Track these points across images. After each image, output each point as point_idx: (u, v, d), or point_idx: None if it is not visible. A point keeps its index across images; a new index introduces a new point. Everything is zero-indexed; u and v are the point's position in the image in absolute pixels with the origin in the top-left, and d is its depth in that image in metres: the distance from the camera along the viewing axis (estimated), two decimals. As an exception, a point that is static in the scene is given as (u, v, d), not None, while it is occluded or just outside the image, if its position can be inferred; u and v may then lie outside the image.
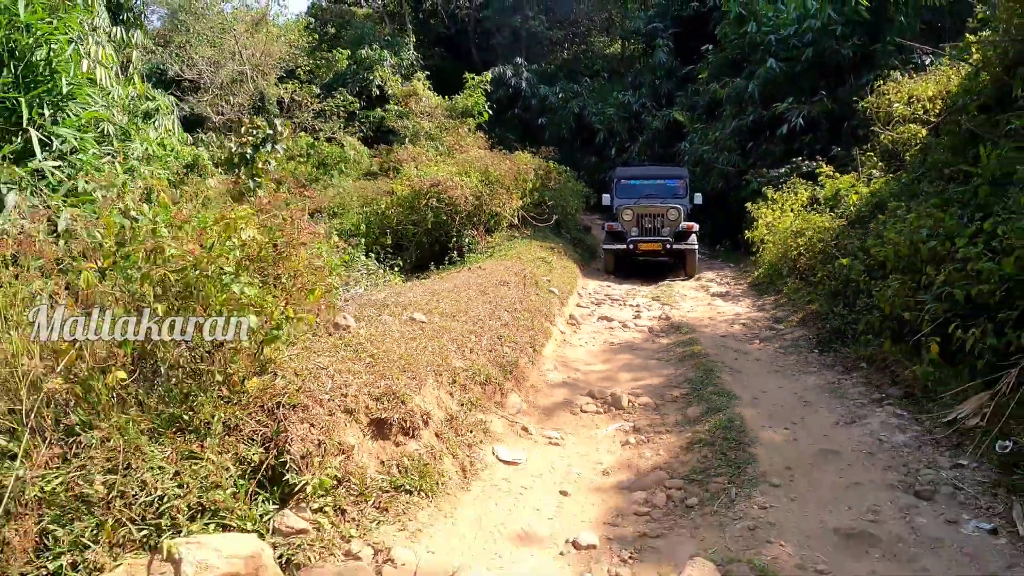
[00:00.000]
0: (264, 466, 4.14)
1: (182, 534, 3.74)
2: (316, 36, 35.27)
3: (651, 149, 28.45)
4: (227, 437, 4.18)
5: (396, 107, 25.15)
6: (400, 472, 4.68)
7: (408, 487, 4.60)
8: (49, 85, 9.81)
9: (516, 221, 16.41)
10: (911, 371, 6.90)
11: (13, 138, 9.37)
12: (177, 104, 22.24)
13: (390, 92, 26.69)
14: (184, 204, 7.36)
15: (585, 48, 41.97)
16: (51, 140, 9.64)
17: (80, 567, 3.58)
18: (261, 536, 3.89)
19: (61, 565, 3.56)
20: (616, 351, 9.66)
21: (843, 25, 18.04)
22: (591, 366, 8.86)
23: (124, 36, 15.78)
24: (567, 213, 19.24)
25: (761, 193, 16.98)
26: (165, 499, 3.80)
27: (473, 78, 23.98)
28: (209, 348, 4.46)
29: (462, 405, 5.94)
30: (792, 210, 14.93)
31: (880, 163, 14.40)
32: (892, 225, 8.90)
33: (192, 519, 3.83)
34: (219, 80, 27.32)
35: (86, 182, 9.67)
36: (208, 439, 4.10)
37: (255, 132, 17.27)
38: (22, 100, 9.32)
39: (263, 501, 4.09)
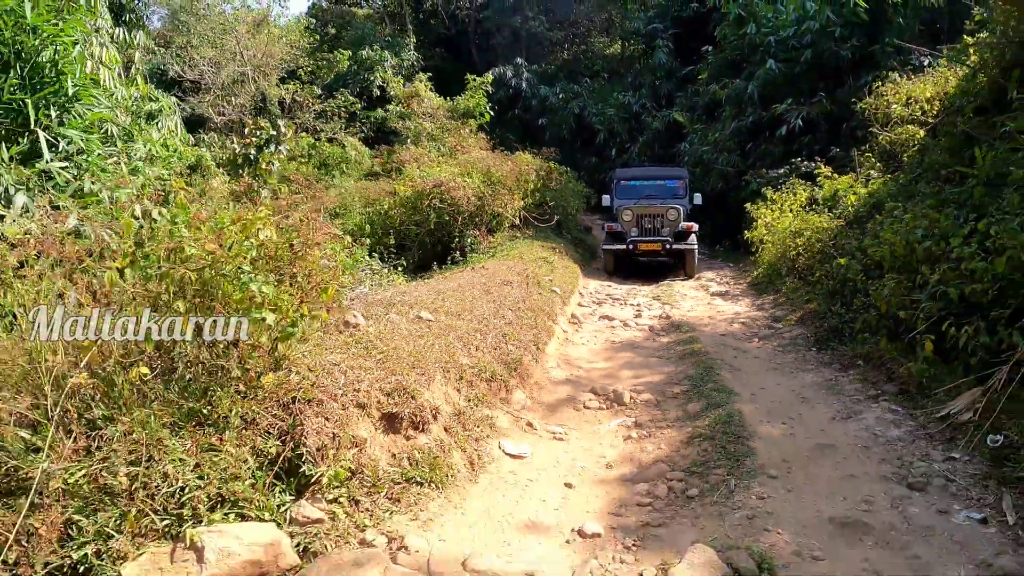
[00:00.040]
0: (281, 458, 4.30)
1: (203, 524, 3.90)
2: (317, 37, 35.42)
3: (651, 149, 28.57)
4: (244, 431, 4.34)
5: (398, 108, 25.27)
6: (411, 464, 4.85)
7: (419, 479, 4.78)
8: (55, 87, 9.92)
9: (518, 221, 16.58)
10: (906, 368, 7.07)
11: (19, 139, 9.50)
12: (178, 105, 22.38)
13: (392, 93, 26.81)
14: (197, 205, 7.49)
15: (585, 49, 42.11)
16: (57, 141, 9.77)
17: (104, 556, 3.73)
18: (279, 526, 4.05)
19: (86, 554, 3.71)
20: (617, 349, 9.83)
21: (842, 27, 18.16)
22: (593, 364, 9.02)
23: (127, 37, 15.92)
24: (568, 213, 19.40)
25: (760, 193, 17.10)
26: (186, 490, 3.95)
27: (474, 79, 24.10)
28: (225, 345, 4.62)
29: (469, 401, 6.10)
30: (791, 210, 15.07)
31: (878, 164, 14.53)
32: (889, 225, 9.04)
33: (212, 509, 3.99)
34: (220, 81, 27.46)
35: (92, 182, 9.83)
36: (227, 432, 4.26)
37: (259, 133, 17.46)
38: (28, 101, 9.44)
39: (280, 492, 4.26)
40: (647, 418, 6.88)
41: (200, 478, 4.03)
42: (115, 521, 3.82)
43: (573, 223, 20.27)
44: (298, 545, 3.99)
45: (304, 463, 4.31)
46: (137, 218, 4.67)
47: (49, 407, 4.08)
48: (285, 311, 4.57)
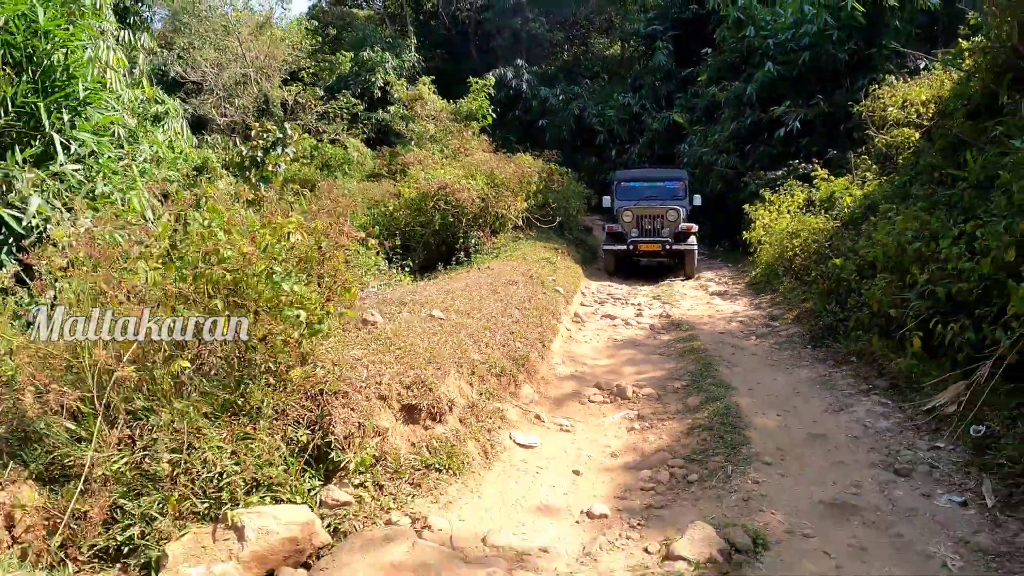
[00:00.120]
0: (311, 446, 4.64)
1: (240, 506, 4.22)
2: (319, 39, 35.63)
3: (651, 150, 28.74)
4: (276, 420, 4.68)
5: (401, 110, 25.53)
6: (430, 452, 5.20)
7: (437, 466, 5.13)
8: (67, 90, 10.16)
9: (520, 223, 16.83)
10: (896, 364, 7.42)
11: (32, 142, 9.75)
12: (182, 106, 22.60)
13: (396, 95, 27.07)
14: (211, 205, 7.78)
15: (585, 50, 42.37)
16: (69, 144, 10.01)
17: (148, 537, 4.06)
18: (311, 508, 4.38)
19: (132, 535, 4.04)
20: (620, 347, 10.15)
21: (839, 30, 18.27)
22: (596, 361, 9.35)
23: (131, 39, 16.16)
24: (569, 215, 19.65)
25: (759, 195, 17.29)
26: (224, 475, 4.28)
27: (477, 82, 24.35)
28: (255, 342, 4.94)
29: (481, 394, 6.43)
30: (788, 212, 15.29)
31: (874, 166, 14.70)
32: (881, 227, 9.32)
33: (249, 493, 4.32)
34: (222, 82, 27.61)
35: (104, 184, 10.11)
36: (260, 422, 4.59)
37: (265, 136, 17.75)
38: (40, 105, 9.69)
39: (310, 477, 4.60)
40: (649, 411, 7.23)
41: (237, 464, 4.35)
42: (158, 505, 4.14)
43: (574, 224, 20.52)
44: (328, 526, 4.33)
45: (333, 450, 4.64)
46: (180, 220, 4.97)
47: (95, 399, 4.40)
48: (312, 309, 4.90)
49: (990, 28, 11.10)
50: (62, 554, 4.04)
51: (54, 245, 4.96)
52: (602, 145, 31.12)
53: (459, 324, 7.51)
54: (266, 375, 4.86)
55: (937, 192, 9.98)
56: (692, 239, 16.72)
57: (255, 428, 4.55)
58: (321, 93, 29.54)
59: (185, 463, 4.25)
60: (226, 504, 4.22)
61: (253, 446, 4.45)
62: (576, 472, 5.76)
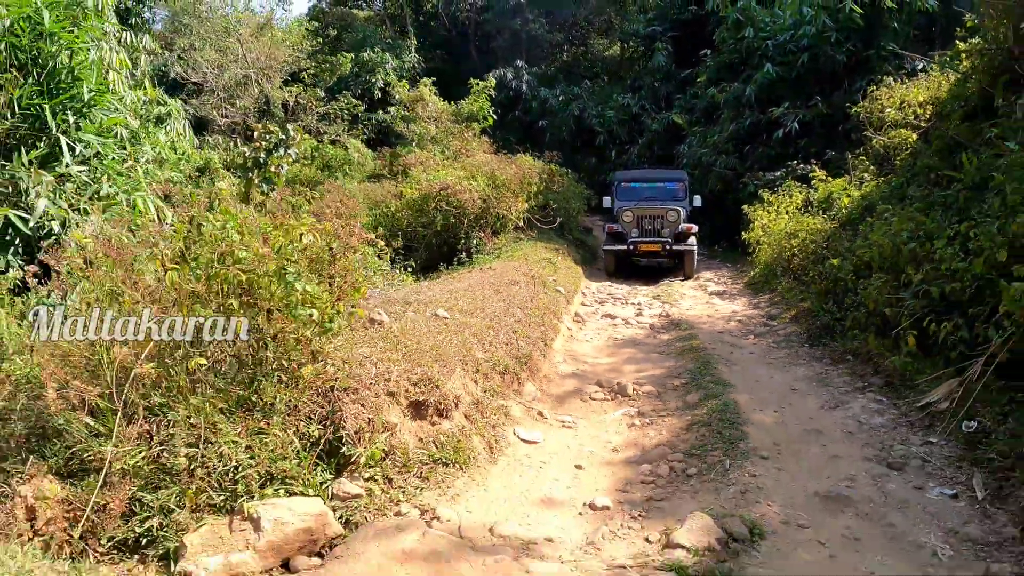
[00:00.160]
0: (322, 441, 4.81)
1: (255, 498, 4.38)
2: (320, 40, 35.68)
3: (650, 151, 28.84)
4: (289, 416, 4.84)
5: (403, 112, 25.65)
6: (437, 447, 5.36)
7: (444, 460, 5.30)
8: (72, 92, 10.26)
9: (521, 223, 16.97)
10: (891, 361, 7.58)
11: (37, 143, 9.86)
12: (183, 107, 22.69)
13: (397, 96, 27.19)
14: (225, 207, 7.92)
15: (585, 51, 42.47)
16: (74, 145, 10.10)
17: (166, 528, 4.21)
18: (323, 500, 4.53)
19: (150, 527, 4.19)
20: (620, 346, 10.31)
21: (838, 31, 18.41)
22: (597, 359, 9.51)
23: (133, 41, 16.26)
24: (569, 215, 19.77)
25: (757, 195, 17.40)
26: (239, 469, 4.44)
27: (478, 84, 24.45)
28: (268, 339, 5.10)
29: (485, 391, 6.60)
30: (786, 212, 15.42)
31: (872, 167, 14.82)
32: (878, 228, 9.49)
33: (263, 486, 4.47)
34: (223, 83, 27.66)
35: (109, 186, 10.24)
36: (273, 417, 4.75)
37: (268, 137, 17.90)
38: (46, 107, 9.79)
39: (322, 471, 4.76)
40: (649, 408, 7.40)
41: (252, 458, 4.51)
42: (175, 497, 4.29)
43: (574, 224, 20.64)
44: (340, 517, 4.49)
45: (344, 445, 4.80)
46: (194, 222, 5.12)
47: (114, 395, 4.56)
48: (324, 308, 5.06)
49: (987, 30, 11.21)
50: (82, 545, 4.19)
51: (78, 247, 5.10)
52: (602, 146, 31.21)
53: (463, 323, 7.67)
54: (278, 372, 5.01)
55: (933, 193, 10.11)
56: (692, 240, 16.81)
57: (269, 423, 4.70)
58: (322, 94, 29.62)
59: (202, 457, 4.40)
60: (242, 496, 4.36)
61: (267, 441, 4.61)
62: (578, 467, 5.93)
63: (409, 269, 13.70)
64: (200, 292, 4.97)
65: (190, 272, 5.01)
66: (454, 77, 33.52)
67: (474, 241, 15.57)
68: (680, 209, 17.05)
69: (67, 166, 9.76)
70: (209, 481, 4.37)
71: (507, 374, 7.24)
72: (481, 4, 38.82)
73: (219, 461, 4.42)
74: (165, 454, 4.41)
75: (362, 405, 5.00)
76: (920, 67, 17.37)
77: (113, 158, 10.71)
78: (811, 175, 16.14)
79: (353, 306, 5.60)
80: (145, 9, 25.32)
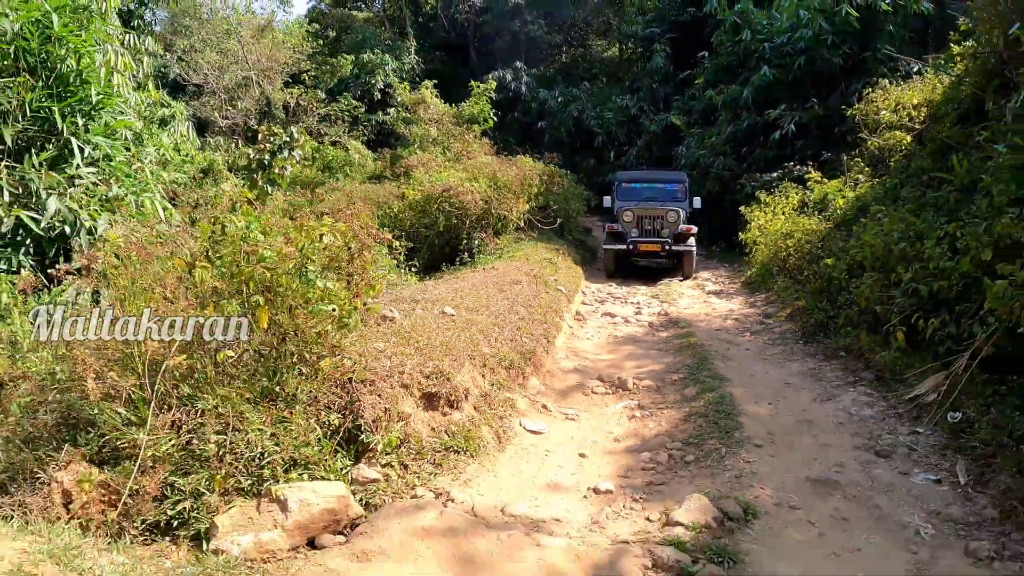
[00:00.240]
0: (342, 429, 5.10)
1: (280, 482, 4.66)
2: (321, 42, 35.81)
3: (649, 152, 28.98)
4: (310, 406, 5.14)
5: (404, 114, 25.88)
6: (448, 436, 5.68)
7: (456, 448, 5.61)
8: (80, 95, 10.45)
9: (522, 224, 17.22)
10: (881, 357, 7.90)
11: (47, 145, 10.07)
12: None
13: (398, 98, 27.41)
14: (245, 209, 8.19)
15: (583, 52, 42.66)
16: (83, 147, 10.29)
17: (197, 510, 4.49)
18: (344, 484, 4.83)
19: (182, 509, 4.47)
20: (620, 343, 10.61)
21: (834, 34, 18.61)
22: (598, 356, 9.81)
23: (136, 43, 16.48)
24: (569, 216, 19.97)
25: (754, 196, 17.60)
26: (265, 455, 4.72)
27: (479, 86, 24.67)
28: (287, 334, 5.39)
29: (492, 385, 6.89)
30: (783, 213, 15.63)
31: (867, 168, 14.99)
32: (870, 228, 9.78)
33: (287, 471, 4.76)
34: (224, 85, 27.78)
35: (118, 187, 10.48)
36: (296, 407, 5.05)
37: (272, 139, 18.16)
38: (55, 109, 9.98)
39: (342, 457, 5.06)
40: (649, 401, 7.72)
41: (276, 445, 4.80)
42: (205, 481, 4.57)
43: (574, 225, 20.83)
44: (360, 500, 4.78)
45: (362, 433, 5.10)
46: (218, 222, 5.41)
47: (146, 385, 4.84)
48: (342, 305, 5.36)
49: (980, 34, 11.44)
50: (118, 527, 4.47)
51: (112, 247, 5.38)
52: (600, 147, 31.36)
53: (470, 320, 7.96)
54: (299, 365, 5.31)
55: (925, 194, 10.36)
56: (691, 240, 16.97)
57: (291, 413, 4.99)
58: (322, 95, 29.80)
59: (230, 444, 4.68)
60: (268, 481, 4.65)
61: (290, 429, 4.90)
62: (582, 455, 6.25)
63: (413, 269, 13.96)
64: (223, 289, 5.27)
65: (215, 270, 5.31)
66: (453, 78, 33.72)
67: (476, 241, 15.81)
68: (680, 210, 17.18)
69: (77, 167, 9.99)
70: (237, 466, 4.65)
71: (512, 369, 7.53)
72: (480, 6, 38.92)
73: (246, 447, 4.70)
74: (195, 441, 4.69)
75: (379, 396, 5.29)
76: (915, 70, 17.50)
77: (121, 160, 10.94)
78: (807, 176, 16.33)
79: (367, 304, 5.90)
80: (146, 11, 25.52)
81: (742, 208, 17.60)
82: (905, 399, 6.93)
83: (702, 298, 14.46)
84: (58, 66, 10.12)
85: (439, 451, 5.49)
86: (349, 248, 5.63)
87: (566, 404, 7.70)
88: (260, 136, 17.44)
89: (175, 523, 4.44)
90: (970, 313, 7.02)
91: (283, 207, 14.97)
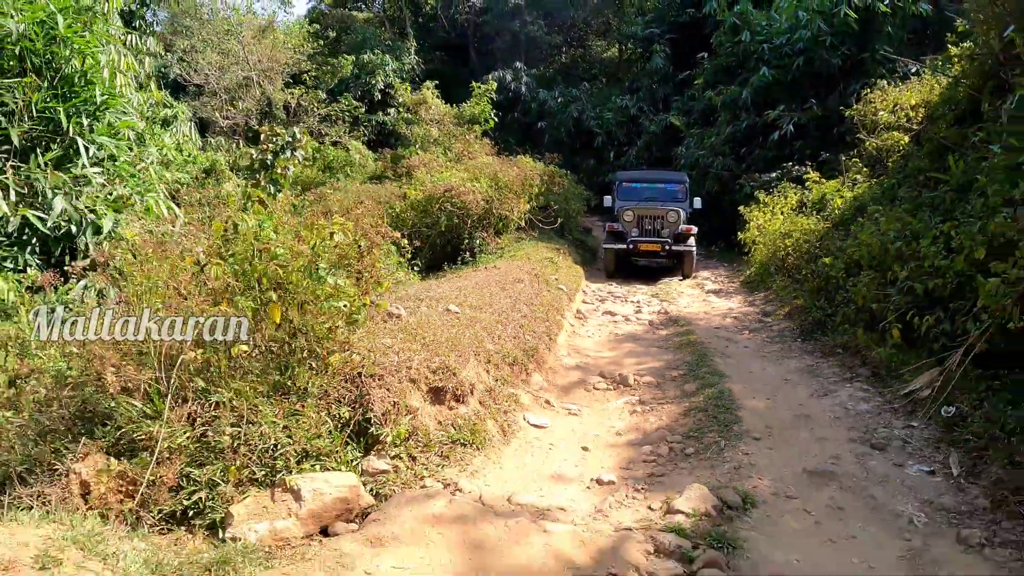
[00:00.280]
0: (352, 422, 5.25)
1: (293, 473, 4.81)
2: (321, 42, 35.83)
3: (648, 153, 29.07)
4: (321, 400, 5.29)
5: (406, 114, 25.98)
6: (455, 429, 5.84)
7: (462, 441, 5.77)
8: (84, 95, 10.55)
9: (523, 224, 17.35)
10: (877, 353, 8.05)
11: (52, 145, 10.18)
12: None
13: (400, 99, 27.50)
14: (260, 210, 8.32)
15: (583, 52, 42.75)
16: (88, 147, 10.38)
17: (213, 500, 4.64)
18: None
19: (198, 499, 4.62)
20: (620, 341, 10.76)
21: (832, 35, 18.73)
22: (599, 353, 9.96)
23: (138, 43, 16.57)
24: (569, 216, 20.07)
25: (753, 197, 17.71)
26: (278, 447, 4.87)
27: (480, 87, 24.78)
28: (298, 329, 5.54)
29: (496, 380, 7.05)
30: (782, 213, 15.77)
31: (865, 169, 15.12)
32: (867, 227, 9.93)
33: (299, 462, 4.91)
34: (224, 85, 27.82)
35: (123, 187, 10.60)
36: (307, 400, 5.20)
37: (275, 139, 18.30)
38: (61, 110, 10.09)
39: (352, 449, 5.20)
40: (649, 396, 7.88)
41: (289, 437, 4.94)
42: (220, 472, 4.72)
43: (574, 225, 20.91)
44: (371, 490, 4.94)
45: (372, 426, 5.25)
46: (231, 221, 5.56)
47: (162, 379, 4.99)
48: (351, 301, 5.51)
49: (978, 35, 11.58)
50: (135, 516, 4.61)
51: (128, 244, 5.52)
52: (600, 147, 31.46)
53: (474, 318, 8.11)
54: (309, 360, 5.46)
55: (922, 194, 10.49)
56: (691, 241, 17.05)
57: (303, 406, 5.15)
58: (323, 96, 29.88)
59: (244, 436, 4.83)
60: (281, 472, 4.80)
61: (302, 421, 5.05)
62: (585, 448, 6.41)
63: (415, 268, 14.09)
64: (236, 286, 5.42)
65: (227, 267, 5.46)
66: (453, 79, 33.81)
67: (477, 241, 15.95)
68: (680, 210, 17.26)
69: (83, 168, 10.09)
70: (251, 457, 4.79)
71: (516, 365, 7.69)
72: (480, 6, 39.01)
73: (260, 440, 4.84)
74: (210, 433, 4.83)
75: (387, 390, 5.45)
76: (913, 71, 17.58)
77: (125, 160, 11.05)
78: (805, 177, 16.46)
79: (375, 301, 6.05)
80: (148, 12, 25.59)
81: (741, 208, 17.71)
82: (900, 394, 7.08)
83: (701, 297, 14.60)
84: (63, 67, 10.23)
85: (446, 444, 5.64)
86: (359, 246, 5.78)
87: (568, 400, 7.85)
88: (263, 136, 17.59)
89: (191, 513, 4.58)
90: (964, 310, 7.19)
91: (287, 207, 15.10)
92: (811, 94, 19.76)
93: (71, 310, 7.90)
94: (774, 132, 19.78)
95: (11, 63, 9.70)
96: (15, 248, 8.91)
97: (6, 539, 3.54)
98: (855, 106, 16.30)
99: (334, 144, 27.31)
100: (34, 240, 9.13)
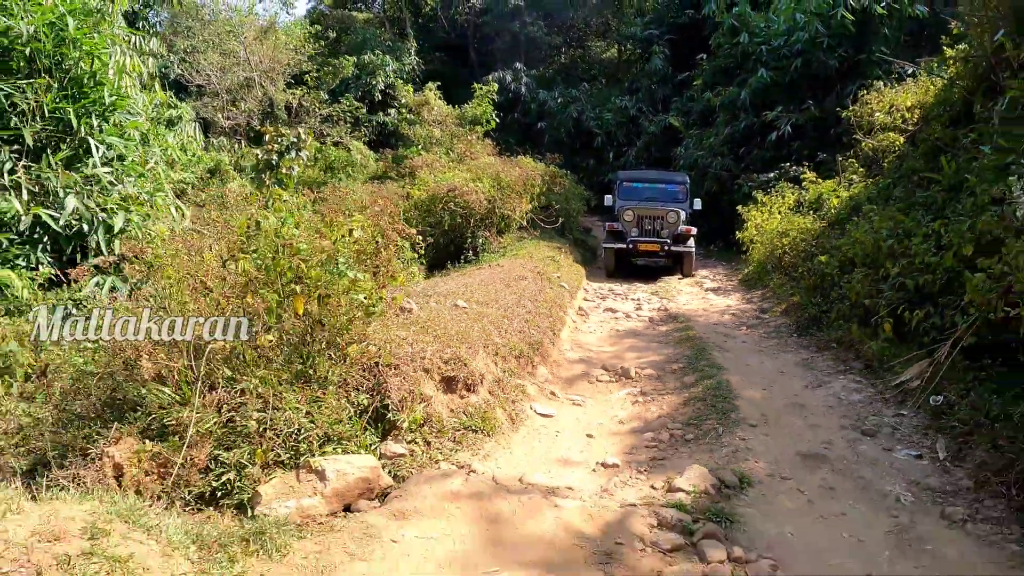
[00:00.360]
0: (371, 409, 5.56)
1: (316, 456, 5.11)
2: (322, 43, 35.91)
3: (648, 153, 29.28)
4: (340, 388, 5.59)
5: (408, 115, 26.18)
6: (467, 416, 6.15)
7: (473, 427, 6.08)
8: (93, 96, 10.75)
9: (525, 223, 17.60)
10: (870, 347, 8.36)
11: (61, 145, 10.39)
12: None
13: (402, 99, 27.70)
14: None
15: (583, 53, 42.90)
16: (97, 147, 10.58)
17: (240, 481, 4.93)
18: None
19: (226, 480, 4.91)
20: (621, 336, 11.07)
21: (830, 37, 18.99)
22: (601, 348, 10.27)
23: (141, 44, 16.78)
24: (570, 216, 20.27)
25: (752, 196, 17.96)
26: (301, 431, 5.16)
27: (481, 88, 24.98)
28: (318, 321, 5.84)
29: (504, 372, 7.35)
30: (779, 212, 16.06)
31: (861, 169, 15.40)
32: (861, 226, 10.23)
33: (322, 445, 5.20)
34: (226, 85, 27.94)
35: (132, 186, 10.85)
36: (328, 388, 5.50)
37: (280, 140, 18.56)
38: (70, 110, 10.30)
39: (371, 434, 5.51)
40: (650, 388, 8.20)
41: (312, 422, 5.23)
42: (247, 455, 5.01)
43: (575, 224, 21.10)
44: (389, 472, 5.23)
45: (389, 412, 5.56)
46: (253, 220, 5.85)
47: (192, 367, 5.29)
48: (369, 295, 5.81)
49: (972, 38, 11.85)
50: (167, 497, 4.89)
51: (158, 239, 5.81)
52: (600, 147, 31.63)
53: (481, 313, 8.41)
54: (329, 350, 5.76)
55: (915, 194, 10.80)
56: (691, 242, 17.22)
57: (324, 393, 5.45)
58: (325, 96, 30.05)
59: (270, 421, 5.13)
60: (304, 454, 5.09)
61: (324, 408, 5.34)
62: (589, 435, 6.73)
63: (420, 264, 14.34)
64: (259, 279, 5.71)
65: (251, 262, 5.75)
66: (453, 79, 34.01)
67: (480, 240, 16.21)
68: (680, 211, 17.39)
69: (94, 167, 10.31)
70: (277, 441, 5.08)
71: (522, 358, 7.99)
72: (480, 7, 39.13)
73: (284, 424, 5.13)
74: (237, 418, 5.13)
75: (403, 379, 5.75)
76: (909, 72, 17.80)
77: (133, 160, 11.27)
78: (803, 177, 16.73)
79: (393, 295, 6.36)
80: (151, 12, 25.77)
81: (739, 208, 17.91)
82: (891, 385, 7.40)
83: (700, 295, 14.89)
84: (72, 68, 10.47)
85: (458, 430, 5.95)
86: (376, 242, 6.08)
87: (573, 391, 8.16)
88: (267, 137, 17.84)
89: (219, 494, 4.86)
90: (953, 305, 7.51)
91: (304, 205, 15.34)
92: (808, 95, 20.01)
93: (83, 308, 8.24)
94: (772, 133, 20.03)
95: (21, 64, 9.94)
96: (27, 246, 9.15)
97: (53, 513, 3.81)
98: (852, 107, 16.57)
99: (335, 144, 27.50)
100: (46, 238, 9.38)
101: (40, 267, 8.98)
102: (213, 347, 5.27)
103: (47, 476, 4.79)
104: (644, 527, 4.55)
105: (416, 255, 9.01)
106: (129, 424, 5.15)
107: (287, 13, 54.11)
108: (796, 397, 7.53)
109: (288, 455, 5.09)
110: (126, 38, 14.17)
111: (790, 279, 12.91)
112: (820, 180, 16.12)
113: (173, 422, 5.09)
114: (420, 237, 7.65)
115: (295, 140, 18.51)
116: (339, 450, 5.21)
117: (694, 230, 17.51)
